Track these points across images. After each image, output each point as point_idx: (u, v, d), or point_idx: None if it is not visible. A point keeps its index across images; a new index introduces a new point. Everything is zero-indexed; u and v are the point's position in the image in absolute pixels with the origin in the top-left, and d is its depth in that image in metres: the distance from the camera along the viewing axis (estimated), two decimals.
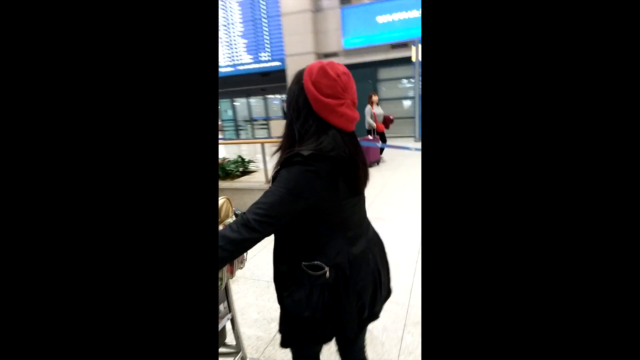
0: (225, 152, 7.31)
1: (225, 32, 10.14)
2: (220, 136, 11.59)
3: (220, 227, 0.98)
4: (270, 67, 9.90)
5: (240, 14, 9.95)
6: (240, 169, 4.15)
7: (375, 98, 5.69)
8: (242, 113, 11.77)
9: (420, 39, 7.22)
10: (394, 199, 3.77)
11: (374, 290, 0.89)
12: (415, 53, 7.35)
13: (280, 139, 0.86)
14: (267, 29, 9.58)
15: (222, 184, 3.78)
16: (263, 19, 9.54)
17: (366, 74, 8.51)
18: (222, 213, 1.14)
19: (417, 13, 7.84)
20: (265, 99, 11.07)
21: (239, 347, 1.35)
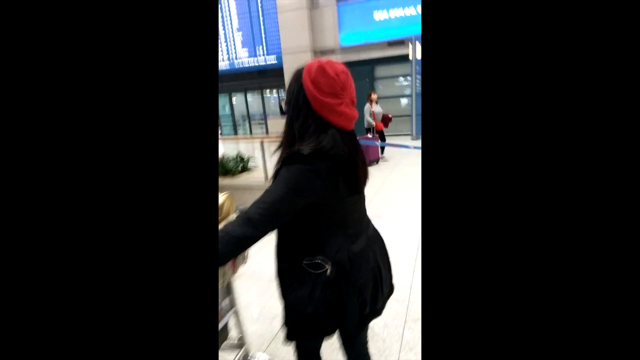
0: (224, 148, 7.28)
1: (222, 28, 10.10)
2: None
3: (223, 224, 1.00)
4: (267, 64, 9.88)
5: (236, 11, 9.91)
6: (240, 166, 4.15)
7: (374, 96, 5.67)
8: (239, 110, 11.72)
9: (417, 36, 7.22)
10: (393, 197, 3.78)
11: (375, 287, 0.90)
12: (413, 50, 7.34)
13: (280, 137, 0.87)
14: (263, 26, 9.55)
15: (221, 181, 3.78)
16: (260, 16, 9.53)
17: (363, 72, 8.48)
18: (225, 210, 1.15)
19: (414, 10, 7.82)
20: (262, 96, 11.03)
21: (242, 342, 1.37)
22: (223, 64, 10.45)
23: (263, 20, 9.56)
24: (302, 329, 0.88)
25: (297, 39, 8.65)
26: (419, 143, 5.85)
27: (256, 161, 4.35)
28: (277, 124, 8.79)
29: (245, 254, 1.19)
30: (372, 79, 8.81)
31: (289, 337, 0.91)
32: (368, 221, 0.96)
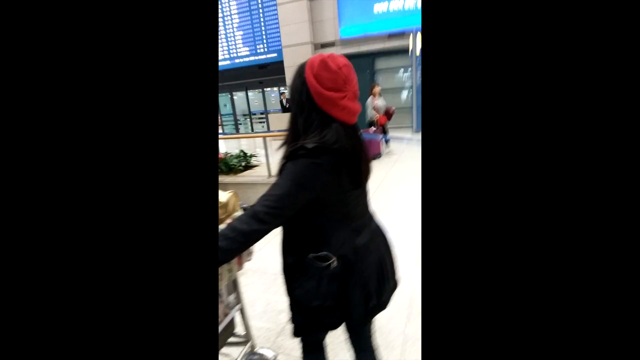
0: (226, 146, 7.29)
1: (222, 24, 10.05)
2: (219, 131, 11.55)
3: (229, 221, 1.00)
4: (268, 59, 9.84)
5: (236, 6, 9.86)
6: (243, 164, 4.16)
7: (377, 89, 5.61)
8: (241, 107, 11.72)
9: (418, 28, 7.15)
10: (394, 190, 3.78)
11: (379, 280, 0.91)
12: (413, 43, 7.28)
13: (283, 133, 0.87)
14: (263, 20, 9.51)
15: (225, 179, 3.80)
16: (260, 10, 9.48)
17: (364, 64, 8.44)
18: (230, 207, 1.16)
19: (413, 2, 7.74)
20: (263, 92, 11.01)
21: (248, 337, 1.38)
22: (223, 63, 10.42)
23: (263, 15, 9.50)
24: (309, 322, 0.89)
25: (297, 31, 8.58)
26: (419, 136, 5.82)
27: (259, 158, 4.36)
28: (279, 120, 8.79)
29: (251, 250, 1.20)
30: (373, 72, 8.76)
31: (296, 333, 0.92)
32: (371, 215, 0.96)
